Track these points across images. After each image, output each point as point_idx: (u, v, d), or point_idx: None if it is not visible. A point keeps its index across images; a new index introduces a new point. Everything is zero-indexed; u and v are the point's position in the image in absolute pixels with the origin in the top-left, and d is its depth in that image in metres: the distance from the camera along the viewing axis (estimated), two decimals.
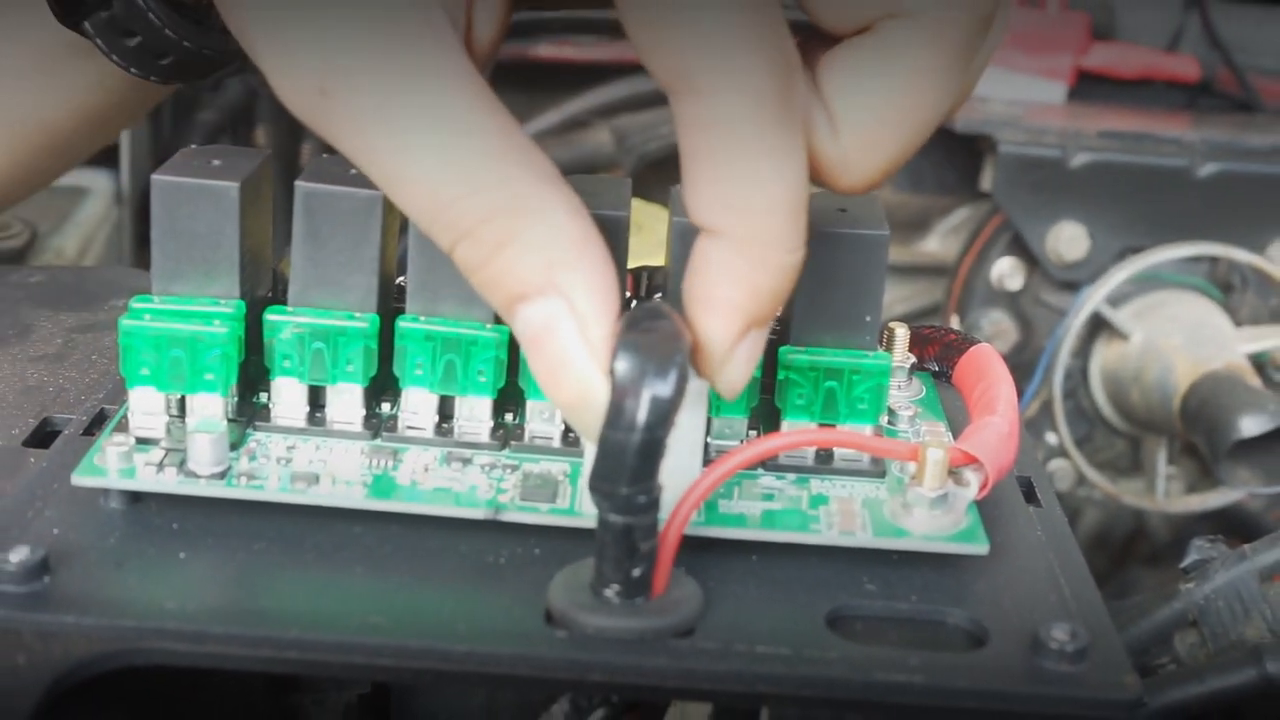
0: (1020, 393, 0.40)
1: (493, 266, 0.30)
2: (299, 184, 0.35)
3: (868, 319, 0.36)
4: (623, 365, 0.28)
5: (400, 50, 0.29)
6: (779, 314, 0.38)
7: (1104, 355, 0.79)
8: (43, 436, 0.38)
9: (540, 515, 0.34)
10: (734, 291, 0.31)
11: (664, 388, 0.28)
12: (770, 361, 0.36)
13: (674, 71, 0.30)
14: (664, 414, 0.29)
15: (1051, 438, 0.79)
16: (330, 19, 0.29)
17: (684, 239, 0.35)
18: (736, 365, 0.32)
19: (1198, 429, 0.72)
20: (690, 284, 0.31)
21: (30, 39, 0.48)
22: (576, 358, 0.30)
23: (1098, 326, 0.79)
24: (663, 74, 0.30)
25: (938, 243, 0.99)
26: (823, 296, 0.36)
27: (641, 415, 0.28)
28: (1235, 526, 0.79)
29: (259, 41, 0.31)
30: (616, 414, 0.29)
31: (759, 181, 0.30)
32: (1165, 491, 0.80)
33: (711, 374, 0.32)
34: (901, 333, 0.40)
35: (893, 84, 0.32)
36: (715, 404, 0.35)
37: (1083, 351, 0.80)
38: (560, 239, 0.30)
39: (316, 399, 0.36)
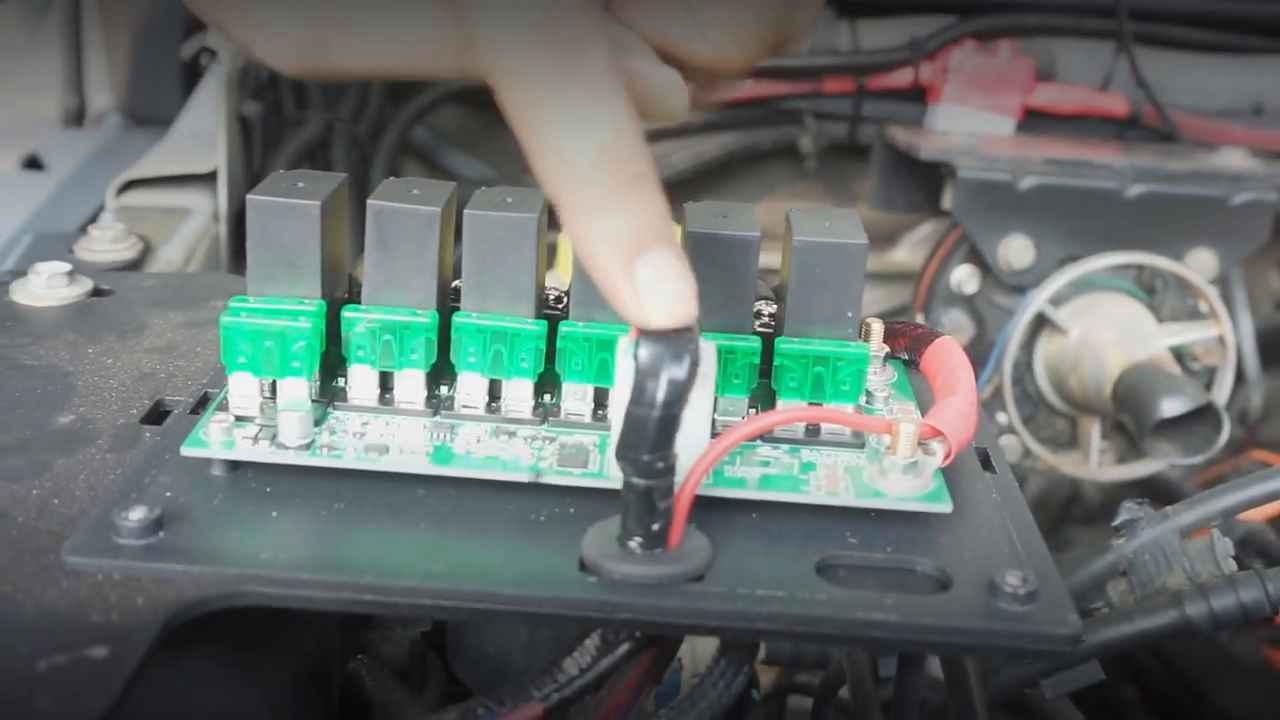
0: (976, 379, 0.40)
1: (618, 227, 0.30)
2: (371, 202, 0.35)
3: (849, 315, 0.36)
4: (644, 353, 0.29)
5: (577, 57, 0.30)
6: (774, 311, 0.38)
7: (1046, 348, 0.79)
8: (157, 415, 0.38)
9: (574, 479, 0.34)
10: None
11: (679, 371, 0.28)
12: (767, 350, 0.36)
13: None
14: (679, 394, 0.29)
15: (1002, 417, 0.79)
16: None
17: (695, 248, 0.35)
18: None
19: (1126, 410, 0.72)
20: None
21: None
22: (687, 284, 0.29)
23: (1041, 323, 0.79)
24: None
25: (906, 253, 0.99)
26: (811, 296, 0.36)
27: (660, 395, 0.28)
28: (1157, 492, 0.79)
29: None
30: (639, 393, 0.29)
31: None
32: (1098, 463, 0.79)
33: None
34: (877, 327, 0.40)
35: None
36: (720, 386, 0.35)
37: (1028, 344, 0.80)
38: (659, 206, 0.30)
39: (386, 383, 0.36)
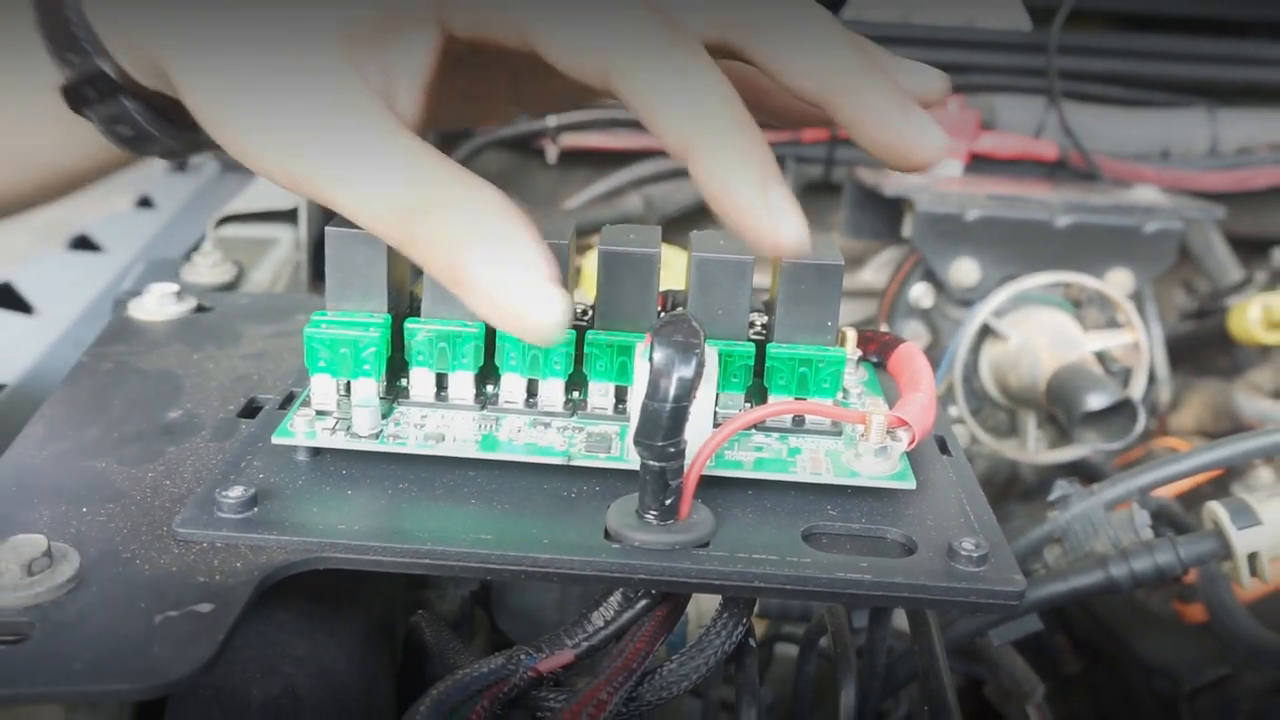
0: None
1: (423, 243, 0.28)
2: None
3: (829, 324, 0.36)
4: (659, 356, 0.28)
5: (340, 129, 0.29)
6: (765, 321, 0.38)
7: (990, 352, 0.78)
8: (251, 410, 0.38)
9: (599, 461, 0.34)
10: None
11: (688, 371, 0.28)
12: (760, 355, 0.36)
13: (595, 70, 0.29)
14: (688, 389, 0.28)
15: (953, 410, 0.79)
16: (281, 119, 0.29)
17: (699, 270, 0.35)
18: (778, 210, 0.28)
19: (1058, 403, 0.71)
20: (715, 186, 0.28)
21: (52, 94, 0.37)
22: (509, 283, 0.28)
23: (986, 332, 0.79)
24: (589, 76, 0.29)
25: (872, 274, 0.99)
26: (797, 308, 0.36)
27: (672, 390, 0.28)
28: (1084, 473, 0.78)
29: (236, 145, 0.30)
30: (654, 390, 0.28)
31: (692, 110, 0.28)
32: (1034, 448, 0.79)
33: (772, 227, 0.28)
34: (851, 334, 0.39)
35: None
36: (721, 384, 0.35)
37: (975, 349, 0.79)
38: (472, 216, 0.28)
39: (441, 382, 0.36)
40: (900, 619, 0.54)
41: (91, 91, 0.35)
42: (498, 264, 0.28)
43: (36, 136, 0.39)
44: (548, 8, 0.30)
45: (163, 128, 0.37)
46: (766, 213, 0.28)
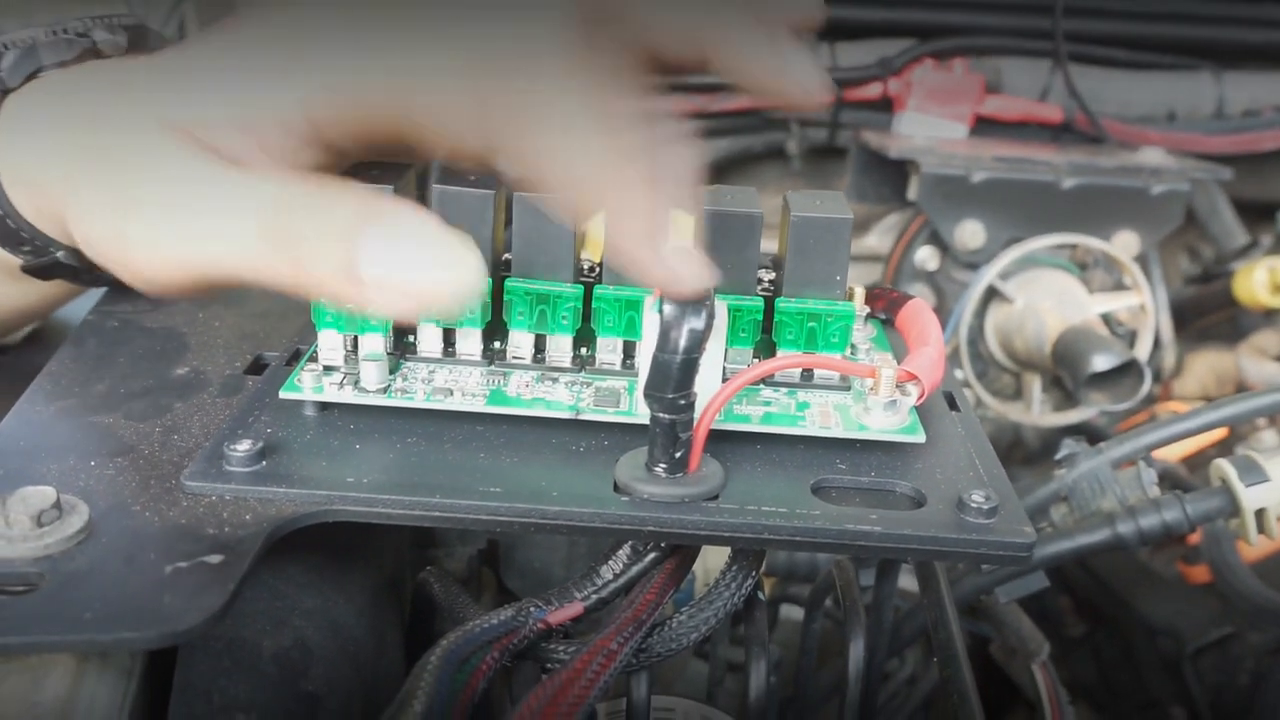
0: None
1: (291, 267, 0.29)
2: (435, 186, 0.34)
3: (838, 279, 0.35)
4: (669, 308, 0.28)
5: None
6: (774, 277, 0.37)
7: (996, 315, 0.78)
8: (258, 367, 0.38)
9: (608, 415, 0.33)
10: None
11: (698, 323, 0.28)
12: (768, 309, 0.35)
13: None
14: (697, 341, 0.28)
15: (959, 373, 0.79)
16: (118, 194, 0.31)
17: (710, 224, 0.34)
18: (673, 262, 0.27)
19: (1063, 365, 0.71)
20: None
21: None
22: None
23: (991, 295, 0.78)
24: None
25: (876, 239, 0.98)
26: (806, 263, 0.35)
27: (682, 342, 0.28)
28: (1088, 436, 0.78)
29: (111, 253, 0.32)
30: (664, 341, 0.28)
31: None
32: (1039, 411, 0.79)
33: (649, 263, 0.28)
34: (859, 290, 0.39)
35: None
36: (730, 339, 0.35)
37: (980, 312, 0.79)
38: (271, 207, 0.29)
39: (449, 338, 0.36)
40: (905, 579, 0.54)
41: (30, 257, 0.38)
42: (391, 249, 0.27)
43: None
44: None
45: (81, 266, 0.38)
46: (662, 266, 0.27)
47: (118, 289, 0.43)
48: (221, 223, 0.30)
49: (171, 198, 0.30)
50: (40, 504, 0.27)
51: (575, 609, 0.31)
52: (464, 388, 0.34)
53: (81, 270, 0.38)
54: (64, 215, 0.33)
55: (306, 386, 0.33)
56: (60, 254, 0.37)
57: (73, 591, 0.25)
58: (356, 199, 0.28)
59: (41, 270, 0.38)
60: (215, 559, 0.27)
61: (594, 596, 0.32)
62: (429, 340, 0.35)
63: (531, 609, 0.31)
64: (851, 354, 0.38)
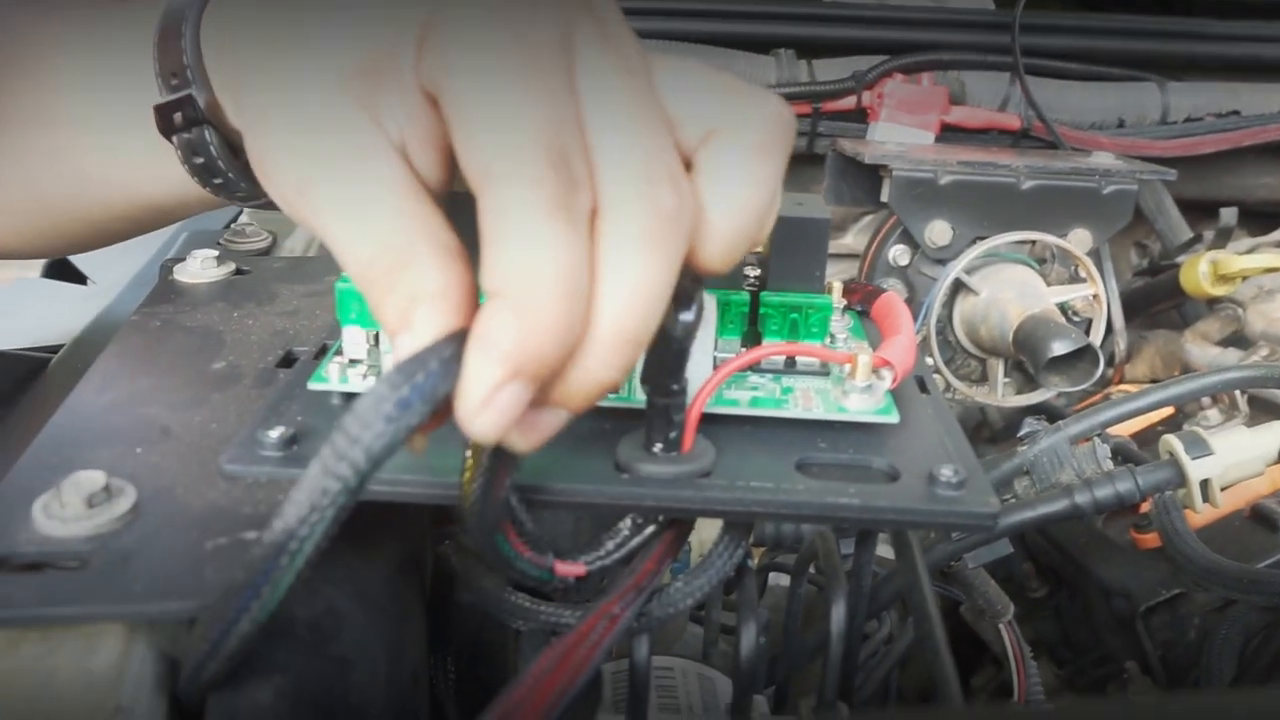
0: None
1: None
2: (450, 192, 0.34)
3: (817, 274, 0.35)
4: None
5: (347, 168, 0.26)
6: (759, 272, 0.37)
7: (962, 306, 0.78)
8: (288, 361, 0.38)
9: (609, 401, 0.33)
10: (503, 338, 0.24)
11: (689, 315, 0.28)
12: (754, 302, 0.35)
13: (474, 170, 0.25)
14: (690, 332, 0.28)
15: (928, 360, 0.79)
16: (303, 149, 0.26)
17: None
18: (493, 410, 0.24)
19: (1024, 350, 0.71)
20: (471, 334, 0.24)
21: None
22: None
23: (958, 287, 0.78)
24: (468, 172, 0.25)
25: (852, 238, 0.98)
26: (788, 260, 0.35)
27: (675, 333, 0.28)
28: (1048, 415, 0.78)
29: (262, 170, 0.28)
30: (659, 332, 0.28)
31: (526, 261, 0.23)
32: (1002, 394, 0.79)
33: (467, 416, 0.24)
34: (838, 284, 0.39)
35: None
36: (719, 329, 0.35)
37: (948, 303, 0.79)
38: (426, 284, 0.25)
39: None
40: (882, 548, 0.54)
41: (179, 117, 0.36)
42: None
43: (128, 168, 0.40)
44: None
45: (230, 164, 0.38)
46: (485, 401, 0.25)
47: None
48: (343, 233, 0.26)
49: (330, 190, 0.26)
50: (91, 487, 0.27)
51: (579, 569, 0.31)
52: None
53: (198, 146, 0.37)
54: (237, 116, 0.33)
55: (333, 378, 0.33)
56: (199, 97, 0.35)
57: (122, 567, 0.25)
58: (405, 296, 0.25)
59: (168, 116, 0.36)
60: (251, 535, 0.27)
61: (597, 562, 0.32)
62: None
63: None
64: (831, 343, 0.38)
